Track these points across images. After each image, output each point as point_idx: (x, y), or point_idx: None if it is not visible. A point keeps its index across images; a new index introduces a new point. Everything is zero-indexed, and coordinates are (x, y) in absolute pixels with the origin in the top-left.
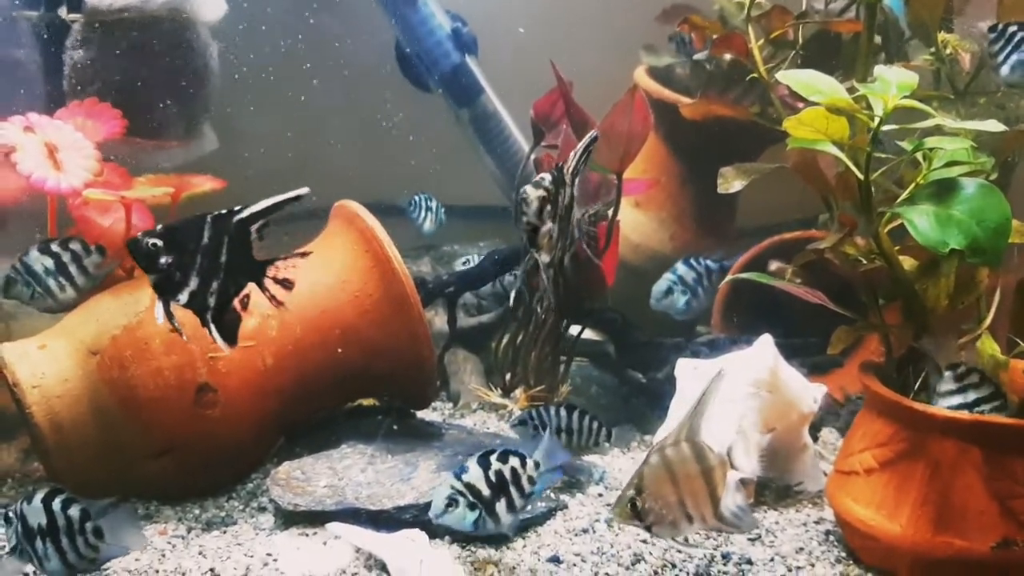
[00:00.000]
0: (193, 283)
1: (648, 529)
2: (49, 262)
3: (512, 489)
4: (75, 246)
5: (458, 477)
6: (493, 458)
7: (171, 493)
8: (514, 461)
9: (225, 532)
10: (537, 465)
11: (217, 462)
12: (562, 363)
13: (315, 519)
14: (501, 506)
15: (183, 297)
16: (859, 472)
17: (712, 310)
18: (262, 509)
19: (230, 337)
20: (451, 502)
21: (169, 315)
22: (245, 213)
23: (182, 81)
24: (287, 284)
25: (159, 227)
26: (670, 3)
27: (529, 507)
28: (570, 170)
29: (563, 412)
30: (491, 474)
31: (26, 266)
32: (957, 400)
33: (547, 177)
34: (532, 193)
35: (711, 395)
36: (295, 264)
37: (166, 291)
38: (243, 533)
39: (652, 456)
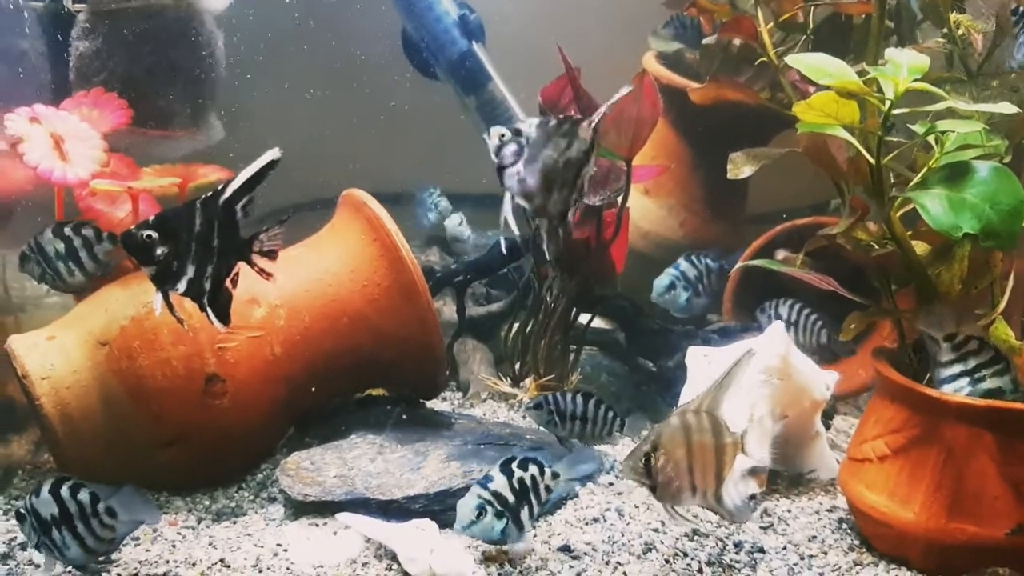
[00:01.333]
0: (190, 271)
1: (652, 490)
2: (60, 245)
3: (532, 497)
4: (87, 232)
5: (484, 486)
6: (515, 466)
7: (181, 483)
8: (533, 469)
9: (235, 523)
10: (556, 475)
11: (226, 452)
12: (572, 352)
13: (325, 509)
14: (525, 513)
15: (182, 286)
16: (872, 459)
17: (723, 298)
18: (272, 499)
19: (224, 317)
20: (480, 511)
21: (169, 306)
22: (229, 191)
23: (188, 71)
24: (272, 255)
25: (151, 218)
26: None
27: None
28: (593, 123)
29: (579, 399)
30: (515, 482)
31: (39, 246)
32: (958, 368)
33: (529, 121)
34: (494, 131)
35: (740, 370)
36: (277, 234)
37: (165, 282)
38: (253, 523)
39: (672, 417)
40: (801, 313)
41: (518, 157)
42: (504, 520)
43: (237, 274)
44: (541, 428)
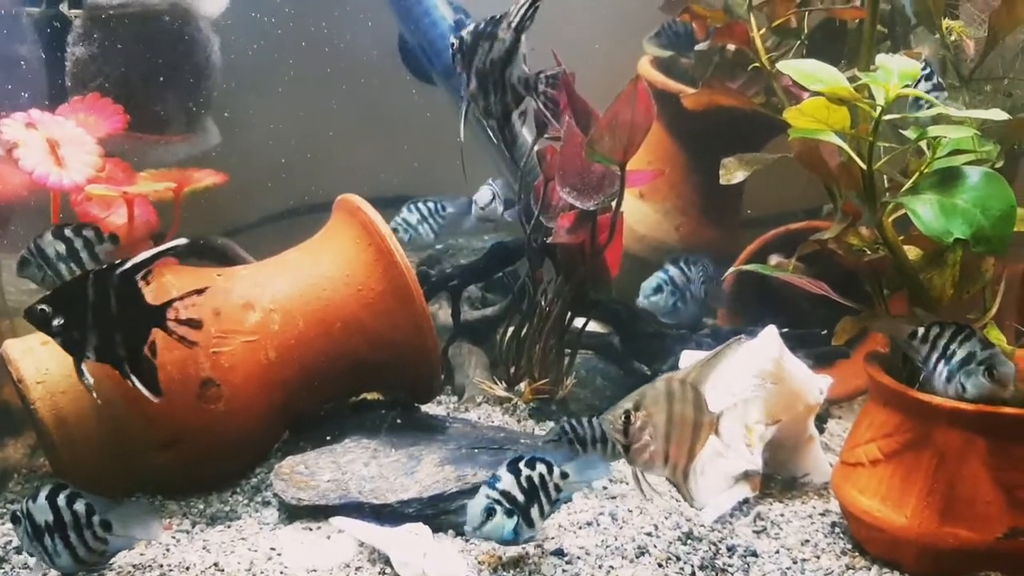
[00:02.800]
0: (94, 338)
1: (625, 450)
2: (61, 247)
3: (542, 495)
4: (88, 233)
5: (492, 486)
6: (522, 464)
7: (175, 487)
8: (541, 467)
9: (229, 526)
10: (565, 475)
11: (221, 456)
12: (567, 355)
13: (319, 513)
14: (535, 512)
15: (91, 353)
16: (864, 463)
17: (709, 304)
18: (266, 503)
19: (152, 385)
20: (490, 512)
21: (80, 372)
22: (127, 265)
23: (184, 75)
24: (193, 323)
25: (47, 293)
26: None
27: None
28: (512, 24)
29: (595, 422)
30: (523, 480)
31: (39, 248)
32: (935, 357)
33: (470, 29)
34: (452, 41)
35: (729, 351)
36: (194, 302)
37: (73, 349)
38: (247, 527)
39: (659, 382)
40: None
41: (460, 63)
42: (515, 519)
43: (155, 343)
44: (536, 432)
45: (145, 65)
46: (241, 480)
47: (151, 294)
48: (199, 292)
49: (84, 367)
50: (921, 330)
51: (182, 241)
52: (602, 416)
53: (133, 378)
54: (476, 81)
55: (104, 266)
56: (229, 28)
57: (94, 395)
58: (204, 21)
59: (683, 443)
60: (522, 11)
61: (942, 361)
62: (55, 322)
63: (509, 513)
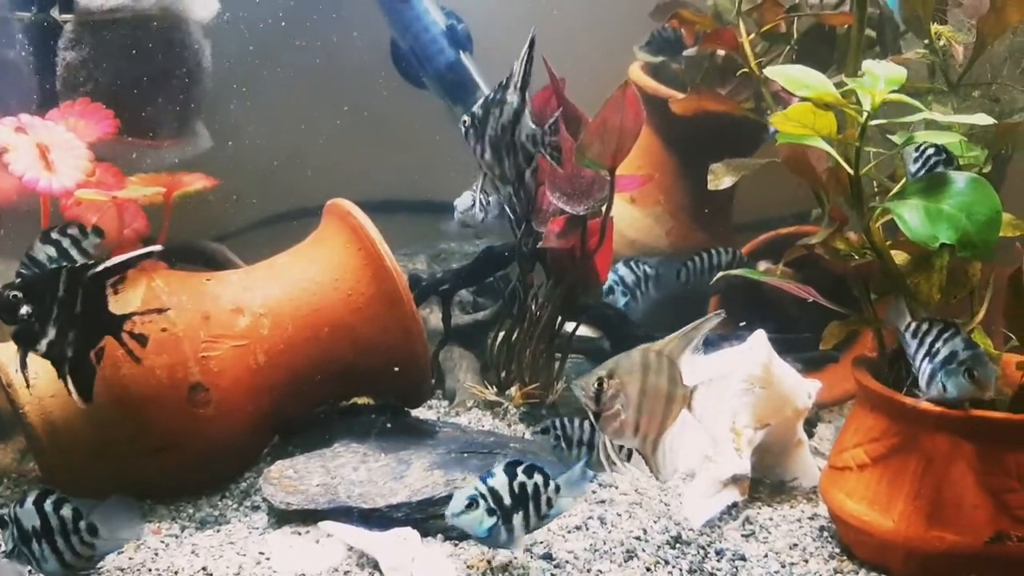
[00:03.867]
0: (50, 333)
1: (596, 417)
2: (51, 250)
3: (531, 505)
4: (73, 231)
5: (483, 481)
6: (519, 469)
7: (165, 492)
8: (538, 478)
9: (219, 531)
10: (558, 489)
11: (210, 461)
12: (557, 360)
13: (308, 518)
14: (518, 519)
15: (41, 347)
16: (852, 467)
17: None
18: (255, 508)
19: (85, 391)
20: (472, 503)
21: (23, 365)
22: (99, 268)
23: (174, 80)
24: (143, 340)
25: (18, 280)
26: None
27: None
28: (516, 84)
29: (586, 425)
30: (515, 485)
31: (32, 259)
32: (921, 353)
33: (480, 101)
34: (463, 120)
35: (707, 324)
36: (152, 320)
37: (26, 341)
38: (236, 532)
39: (634, 351)
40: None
41: (477, 139)
42: (494, 519)
43: (102, 349)
44: (528, 438)
45: (135, 70)
46: (230, 484)
47: (135, 299)
48: (160, 311)
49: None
50: (913, 324)
51: (156, 248)
52: (574, 382)
53: (68, 380)
54: (491, 151)
55: (78, 265)
56: (219, 32)
57: (28, 389)
58: (195, 26)
59: (655, 415)
60: (523, 69)
61: (926, 359)
62: (22, 310)
63: (491, 511)
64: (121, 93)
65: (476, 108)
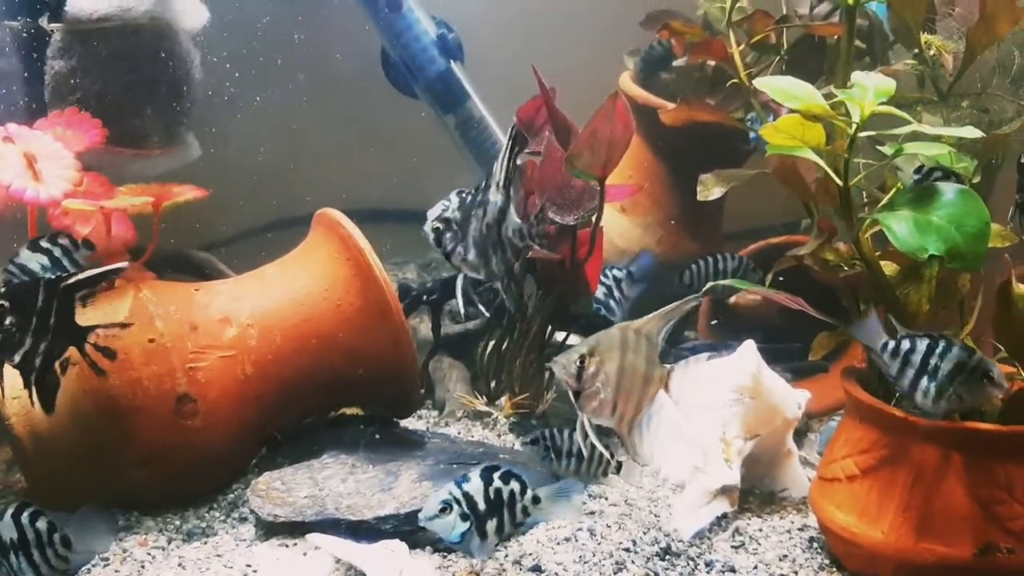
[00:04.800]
0: (27, 343)
1: (576, 396)
2: (44, 259)
3: (505, 512)
4: (64, 241)
5: (458, 485)
6: (496, 475)
7: (152, 503)
8: (515, 485)
9: (206, 543)
10: (536, 500)
11: (198, 472)
12: (547, 369)
13: (295, 530)
14: (491, 525)
15: (17, 357)
16: (841, 479)
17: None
18: (243, 519)
19: (48, 402)
20: (445, 507)
21: None
22: (71, 280)
23: (164, 89)
24: (108, 353)
25: (2, 289)
26: (655, 8)
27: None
28: (498, 183)
29: (575, 436)
30: (491, 490)
31: (20, 267)
32: (911, 372)
33: (450, 203)
34: (426, 227)
35: (686, 305)
36: (116, 334)
37: (6, 351)
38: (223, 544)
39: (614, 329)
40: None
41: (456, 240)
42: (467, 524)
43: (67, 360)
44: (517, 448)
45: (125, 79)
46: (218, 496)
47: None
48: (123, 326)
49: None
50: (891, 343)
51: (123, 265)
52: (555, 359)
53: (33, 390)
54: (476, 251)
55: (52, 277)
56: (209, 42)
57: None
58: (184, 35)
59: (632, 394)
60: (505, 169)
61: (925, 377)
62: (6, 320)
63: (464, 516)
64: (110, 102)
65: (449, 213)
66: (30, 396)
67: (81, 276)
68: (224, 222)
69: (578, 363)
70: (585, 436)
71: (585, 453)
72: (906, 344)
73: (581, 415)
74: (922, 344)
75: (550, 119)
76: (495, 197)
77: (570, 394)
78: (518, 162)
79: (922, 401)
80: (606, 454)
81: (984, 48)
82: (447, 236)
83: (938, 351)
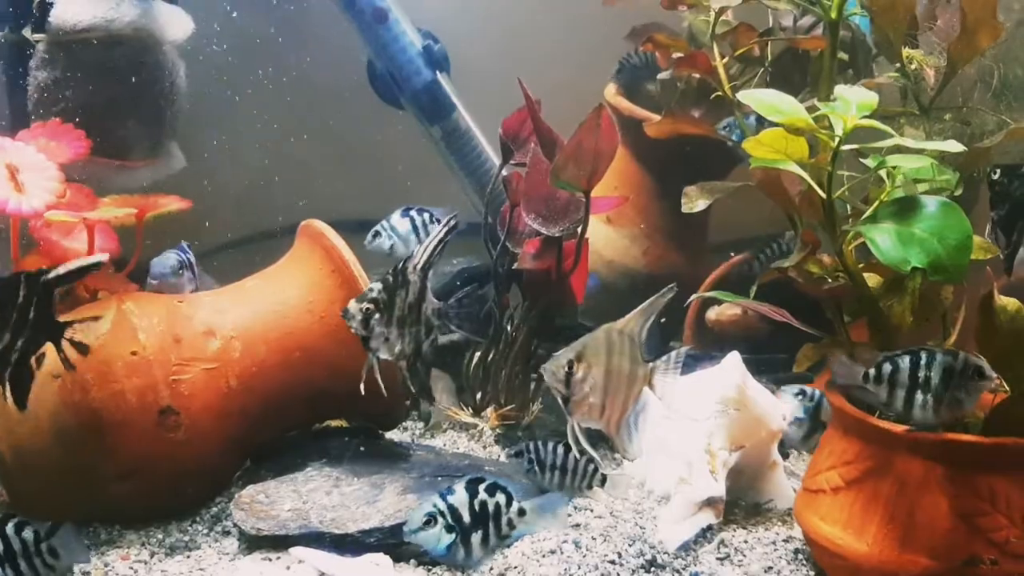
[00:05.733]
0: (6, 339)
1: (565, 402)
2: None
3: (491, 525)
4: None
5: (443, 497)
6: (481, 487)
7: (135, 517)
8: (500, 497)
9: (188, 557)
10: (522, 512)
11: (181, 485)
12: (533, 381)
13: (279, 543)
14: (476, 538)
15: None
16: (826, 490)
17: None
18: (226, 533)
19: (21, 398)
20: (430, 519)
21: None
22: (51, 275)
23: (148, 101)
24: (82, 348)
25: None
26: (640, 21)
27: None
28: (418, 265)
29: (560, 449)
30: (476, 503)
31: None
32: (901, 392)
33: (374, 287)
34: (353, 307)
35: (661, 300)
36: (89, 328)
37: None
38: (206, 558)
39: (599, 332)
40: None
41: (382, 324)
42: (453, 536)
43: (42, 355)
44: (503, 460)
45: (109, 90)
46: (201, 509)
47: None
48: (95, 319)
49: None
50: (872, 371)
51: (103, 257)
52: (543, 367)
53: (7, 385)
54: (396, 330)
55: (33, 272)
56: (194, 53)
57: None
58: (169, 46)
59: (619, 395)
60: (427, 253)
61: (919, 391)
62: None
63: (449, 528)
64: (93, 114)
65: (376, 294)
66: (2, 393)
67: (62, 271)
68: (208, 233)
69: (567, 369)
70: (577, 442)
71: (576, 453)
72: (888, 367)
73: (571, 420)
74: (905, 361)
75: (535, 131)
76: (413, 276)
77: (559, 400)
78: (443, 248)
79: (922, 416)
80: (596, 459)
81: (965, 62)
82: (375, 318)
83: (923, 362)
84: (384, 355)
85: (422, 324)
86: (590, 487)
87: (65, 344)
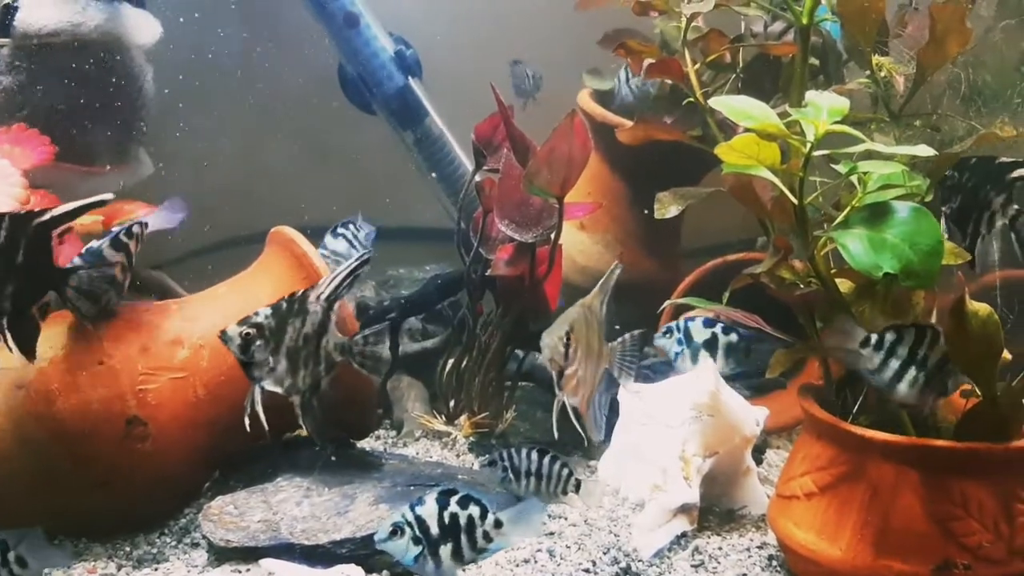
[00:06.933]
0: None
1: (559, 376)
2: None
3: (464, 537)
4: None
5: (412, 508)
6: (453, 500)
7: (101, 529)
8: (474, 509)
9: (156, 569)
10: (499, 524)
11: (148, 497)
12: (507, 388)
13: (248, 555)
14: (446, 550)
15: None
16: (799, 496)
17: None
18: (195, 545)
19: (28, 348)
20: (396, 530)
21: None
22: (46, 216)
23: (115, 106)
24: (93, 296)
25: None
26: (612, 27)
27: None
28: (322, 296)
29: (534, 455)
30: (446, 515)
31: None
32: (895, 363)
33: (261, 311)
34: (232, 330)
35: (612, 277)
36: (101, 276)
37: None
38: (175, 570)
39: (575, 308)
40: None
41: (266, 351)
42: (420, 548)
43: (47, 304)
44: (476, 469)
45: (74, 95)
46: (169, 521)
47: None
48: (111, 265)
49: None
50: (874, 336)
51: (108, 196)
52: (543, 340)
53: (8, 335)
54: (287, 361)
55: (23, 212)
56: (162, 57)
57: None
58: (136, 50)
59: (590, 371)
60: (335, 283)
61: (911, 366)
62: None
63: (416, 540)
64: (59, 119)
65: (260, 319)
66: (5, 343)
67: (56, 212)
68: (177, 240)
69: (565, 341)
70: (567, 419)
71: (557, 433)
72: (890, 336)
73: (559, 395)
74: (911, 334)
75: (508, 137)
76: (315, 307)
77: (554, 375)
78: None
79: (906, 392)
80: (592, 430)
81: (935, 69)
82: (257, 344)
83: (928, 340)
84: (270, 386)
85: (321, 359)
86: (565, 492)
87: (70, 294)
